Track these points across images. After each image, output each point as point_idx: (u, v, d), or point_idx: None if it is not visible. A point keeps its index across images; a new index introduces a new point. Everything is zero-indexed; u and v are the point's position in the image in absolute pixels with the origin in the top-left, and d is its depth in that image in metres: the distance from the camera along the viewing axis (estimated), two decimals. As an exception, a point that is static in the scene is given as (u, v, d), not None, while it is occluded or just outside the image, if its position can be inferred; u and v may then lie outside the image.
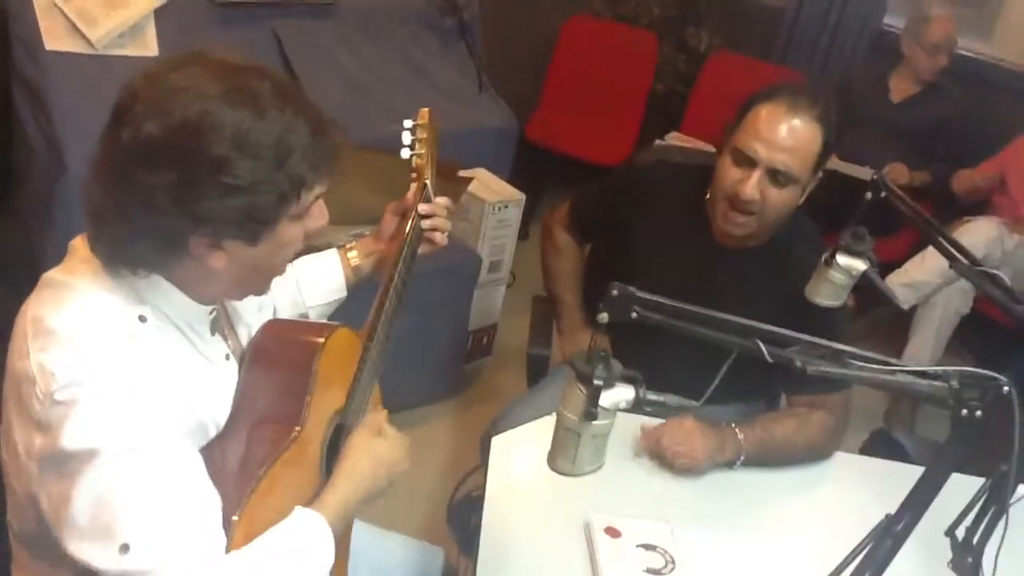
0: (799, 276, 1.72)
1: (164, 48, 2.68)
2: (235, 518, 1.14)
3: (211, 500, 1.13)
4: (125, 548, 1.04)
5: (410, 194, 1.62)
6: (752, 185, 1.78)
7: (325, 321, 1.61)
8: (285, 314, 1.56)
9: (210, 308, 1.25)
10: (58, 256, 1.20)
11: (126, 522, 1.05)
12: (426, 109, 1.65)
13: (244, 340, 1.37)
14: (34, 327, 1.10)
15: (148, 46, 2.68)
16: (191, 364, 1.22)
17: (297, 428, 1.26)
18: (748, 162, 1.79)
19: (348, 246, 1.65)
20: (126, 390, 1.08)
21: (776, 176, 1.78)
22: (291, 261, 1.28)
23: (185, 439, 1.15)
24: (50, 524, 1.10)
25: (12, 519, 1.26)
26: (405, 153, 1.63)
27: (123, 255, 1.12)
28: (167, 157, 1.04)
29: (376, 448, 1.34)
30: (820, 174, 1.85)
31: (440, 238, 1.64)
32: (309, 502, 1.25)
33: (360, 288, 1.67)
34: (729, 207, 1.84)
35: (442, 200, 1.64)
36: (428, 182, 1.63)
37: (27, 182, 2.67)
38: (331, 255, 1.64)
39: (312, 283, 1.61)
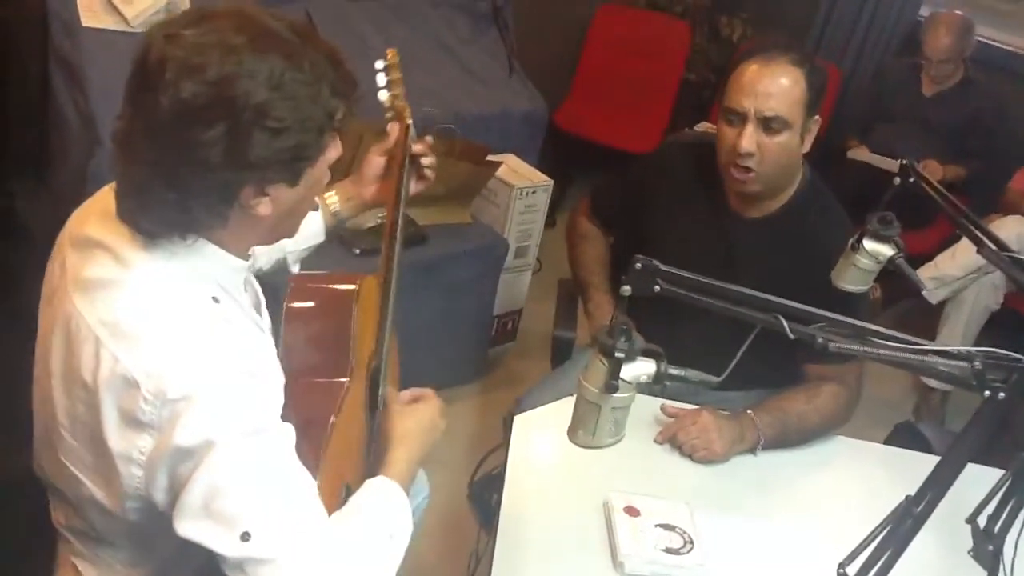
0: (821, 254, 1.71)
1: (198, 27, 2.70)
2: (316, 481, 1.15)
3: (307, 472, 1.13)
4: (246, 536, 1.04)
5: (393, 135, 1.63)
6: (747, 137, 1.84)
7: (345, 272, 1.60)
8: (262, 259, 1.54)
9: (248, 263, 1.25)
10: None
11: (246, 510, 1.05)
12: (392, 48, 1.65)
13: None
14: (110, 331, 1.09)
15: (183, 25, 2.70)
16: (255, 334, 1.23)
17: (346, 379, 1.30)
18: (739, 118, 1.86)
19: (325, 193, 1.64)
20: (232, 377, 1.08)
21: (768, 124, 1.83)
22: None
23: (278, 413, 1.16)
24: (164, 514, 1.10)
25: (75, 521, 1.26)
26: (383, 95, 1.63)
27: (176, 223, 1.12)
28: (212, 112, 1.05)
29: (417, 412, 1.40)
30: (817, 117, 1.90)
31: (432, 174, 1.69)
32: (362, 442, 1.29)
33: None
34: (732, 165, 1.89)
35: (428, 138, 1.68)
36: (410, 122, 1.64)
37: (62, 159, 2.70)
38: None
39: None
